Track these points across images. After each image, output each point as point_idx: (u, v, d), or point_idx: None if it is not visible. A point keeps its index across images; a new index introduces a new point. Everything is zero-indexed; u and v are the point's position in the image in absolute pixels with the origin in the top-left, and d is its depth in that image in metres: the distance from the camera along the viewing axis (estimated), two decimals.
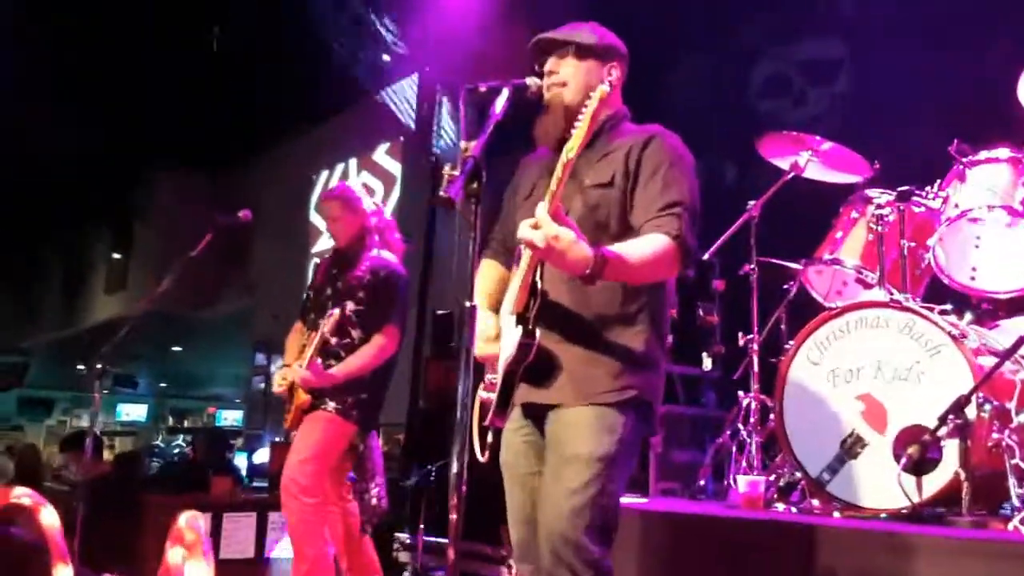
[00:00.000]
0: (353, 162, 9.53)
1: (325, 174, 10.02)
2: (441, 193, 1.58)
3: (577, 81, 2.05)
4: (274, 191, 10.47)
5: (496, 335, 2.00)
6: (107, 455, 8.17)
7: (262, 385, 10.30)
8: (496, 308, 2.04)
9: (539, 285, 1.88)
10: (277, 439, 8.37)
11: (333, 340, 3.29)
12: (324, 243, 9.84)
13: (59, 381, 19.29)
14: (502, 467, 2.07)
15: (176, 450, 9.82)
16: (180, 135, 10.04)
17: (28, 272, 15.79)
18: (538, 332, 1.87)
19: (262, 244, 10.16)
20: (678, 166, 1.96)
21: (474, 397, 1.98)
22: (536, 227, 1.70)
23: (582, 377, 1.93)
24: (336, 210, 3.52)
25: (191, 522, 1.42)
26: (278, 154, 10.84)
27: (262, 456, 7.64)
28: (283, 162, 10.79)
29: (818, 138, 3.49)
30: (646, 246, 1.85)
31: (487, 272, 2.16)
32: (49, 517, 1.56)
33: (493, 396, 1.94)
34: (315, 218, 10.05)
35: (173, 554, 1.41)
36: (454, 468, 1.57)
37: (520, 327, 1.87)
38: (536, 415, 2.02)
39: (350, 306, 3.36)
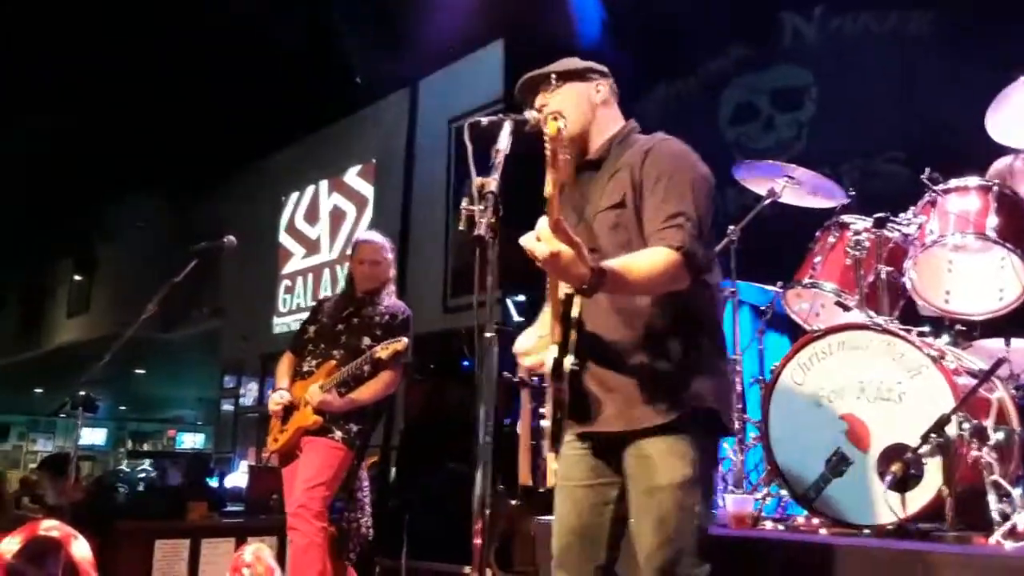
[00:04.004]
0: (324, 184, 9.52)
1: (295, 196, 9.99)
2: (475, 233, 1.63)
3: (570, 107, 2.10)
4: (243, 212, 10.40)
5: (537, 349, 2.05)
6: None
7: (231, 408, 10.18)
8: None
9: (573, 314, 1.89)
10: (249, 462, 8.28)
11: (346, 370, 3.41)
12: (294, 265, 9.80)
13: (15, 405, 18.83)
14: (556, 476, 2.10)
15: (142, 475, 9.60)
16: (144, 155, 9.92)
17: None
18: (575, 358, 1.88)
19: (231, 265, 10.07)
20: (677, 174, 1.97)
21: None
22: (539, 239, 1.72)
23: (629, 402, 1.94)
24: (376, 255, 3.74)
25: (258, 553, 1.44)
26: (246, 175, 10.77)
27: (234, 480, 7.55)
28: (252, 183, 10.73)
29: (793, 165, 3.61)
30: (647, 259, 1.85)
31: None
32: (81, 549, 1.56)
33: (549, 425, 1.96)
34: (285, 240, 10.01)
35: None
36: (477, 492, 1.61)
37: (558, 356, 1.88)
38: (593, 439, 2.05)
39: (365, 341, 3.55)
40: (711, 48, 5.93)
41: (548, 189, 1.77)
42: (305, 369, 3.62)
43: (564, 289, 1.87)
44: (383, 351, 3.41)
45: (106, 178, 10.77)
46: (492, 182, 1.73)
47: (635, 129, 2.16)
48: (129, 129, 9.25)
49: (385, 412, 3.77)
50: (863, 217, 3.30)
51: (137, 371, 15.70)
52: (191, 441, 20.11)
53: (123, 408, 19.94)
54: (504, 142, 1.89)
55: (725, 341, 2.10)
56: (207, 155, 10.01)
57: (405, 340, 3.45)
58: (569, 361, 1.87)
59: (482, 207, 1.69)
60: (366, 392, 3.52)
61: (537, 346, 2.06)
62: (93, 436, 19.04)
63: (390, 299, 3.72)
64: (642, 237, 1.96)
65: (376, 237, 3.88)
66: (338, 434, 3.48)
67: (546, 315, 2.14)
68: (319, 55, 7.65)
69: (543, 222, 1.74)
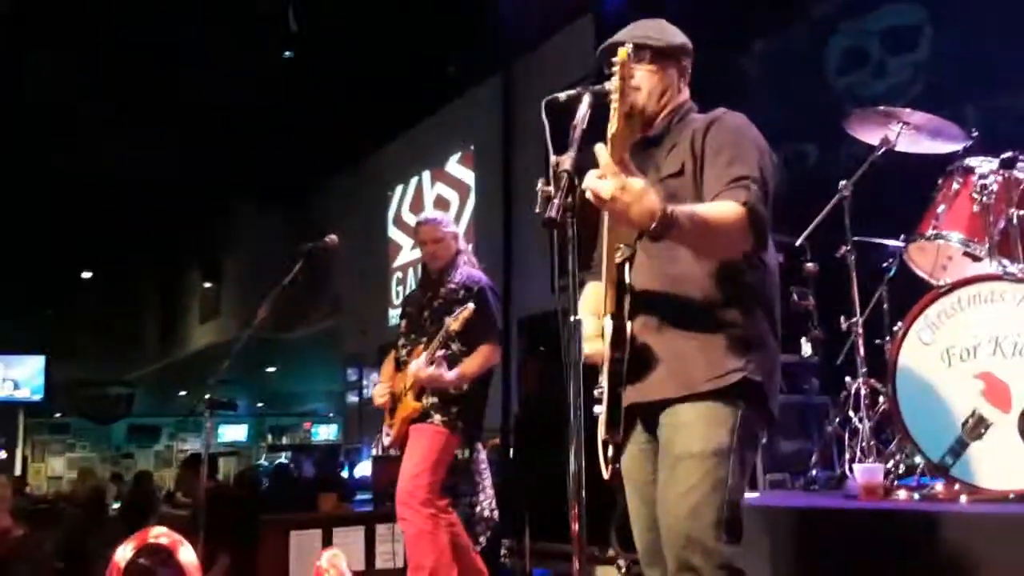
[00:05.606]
0: (426, 175, 9.63)
1: (400, 189, 10.16)
2: (546, 215, 1.58)
3: (651, 86, 2.04)
4: (352, 210, 10.67)
5: (599, 334, 1.96)
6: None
7: (356, 399, 10.51)
8: (599, 313, 2.01)
9: (627, 280, 1.86)
10: (376, 453, 8.53)
11: (439, 353, 3.37)
12: (404, 257, 9.99)
13: (163, 408, 20.12)
14: (622, 474, 2.04)
15: (277, 468, 10.07)
16: (257, 166, 10.34)
17: (129, 308, 16.52)
18: (631, 324, 1.85)
19: (344, 262, 10.34)
20: (743, 143, 1.91)
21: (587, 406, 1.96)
22: (603, 177, 1.64)
23: (681, 366, 1.88)
24: (435, 233, 3.66)
25: (333, 560, 1.45)
26: (353, 174, 11.04)
27: (363, 469, 7.78)
28: (358, 181, 10.98)
29: (908, 110, 3.36)
30: (716, 209, 1.78)
31: (590, 292, 2.14)
32: (187, 554, 1.61)
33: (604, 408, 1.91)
34: (394, 233, 10.21)
35: None
36: (571, 473, 1.57)
37: (614, 323, 1.86)
38: (647, 419, 1.98)
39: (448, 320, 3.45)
40: None
41: (613, 125, 1.69)
42: (401, 361, 3.63)
43: (616, 258, 1.84)
44: (455, 322, 3.34)
45: (224, 192, 11.31)
46: (567, 160, 1.66)
47: (693, 108, 2.10)
48: (240, 144, 9.64)
49: (483, 391, 3.65)
50: (989, 159, 3.04)
51: (268, 369, 16.45)
52: (325, 432, 20.92)
53: (260, 405, 20.97)
54: (581, 116, 1.80)
55: (778, 322, 2.00)
56: (314, 160, 10.33)
57: (471, 306, 3.36)
58: (630, 327, 1.82)
59: (556, 187, 1.63)
60: (465, 368, 3.45)
61: (597, 332, 1.97)
62: (235, 433, 20.11)
63: (463, 272, 3.62)
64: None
65: (432, 215, 3.86)
66: (438, 418, 3.44)
67: (588, 298, 2.09)
68: (410, 48, 7.71)
69: (603, 153, 1.66)
